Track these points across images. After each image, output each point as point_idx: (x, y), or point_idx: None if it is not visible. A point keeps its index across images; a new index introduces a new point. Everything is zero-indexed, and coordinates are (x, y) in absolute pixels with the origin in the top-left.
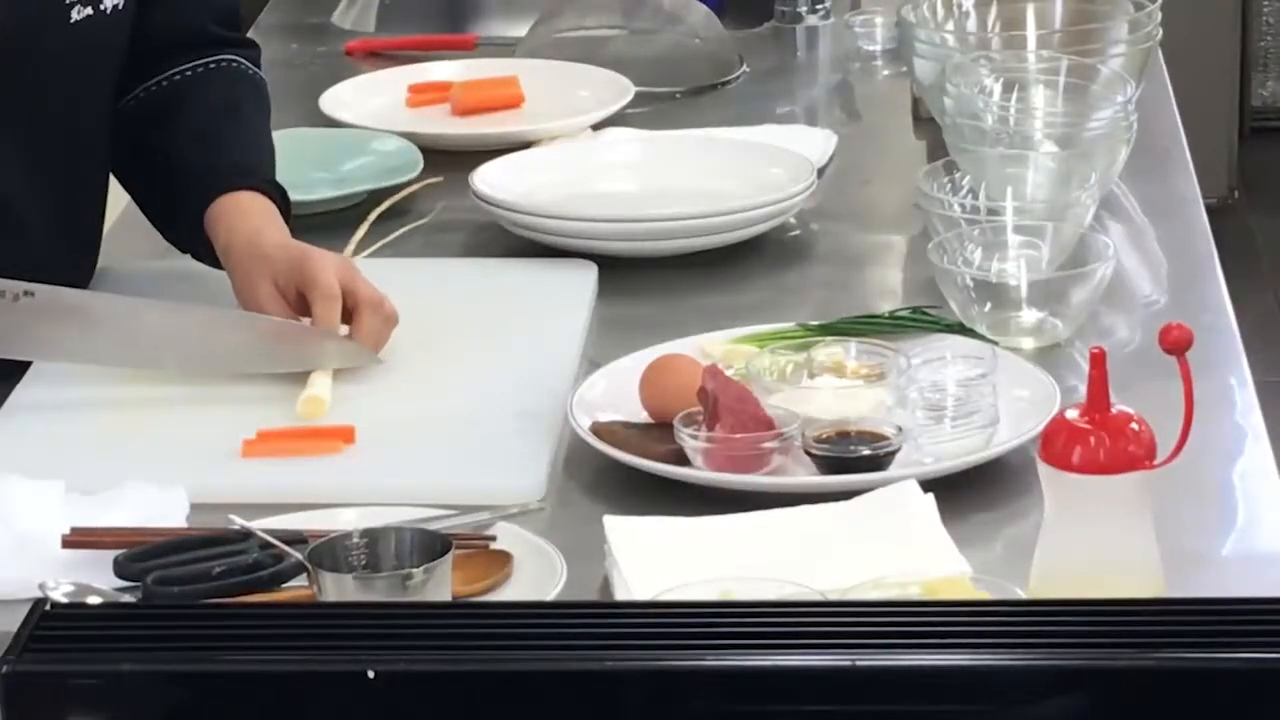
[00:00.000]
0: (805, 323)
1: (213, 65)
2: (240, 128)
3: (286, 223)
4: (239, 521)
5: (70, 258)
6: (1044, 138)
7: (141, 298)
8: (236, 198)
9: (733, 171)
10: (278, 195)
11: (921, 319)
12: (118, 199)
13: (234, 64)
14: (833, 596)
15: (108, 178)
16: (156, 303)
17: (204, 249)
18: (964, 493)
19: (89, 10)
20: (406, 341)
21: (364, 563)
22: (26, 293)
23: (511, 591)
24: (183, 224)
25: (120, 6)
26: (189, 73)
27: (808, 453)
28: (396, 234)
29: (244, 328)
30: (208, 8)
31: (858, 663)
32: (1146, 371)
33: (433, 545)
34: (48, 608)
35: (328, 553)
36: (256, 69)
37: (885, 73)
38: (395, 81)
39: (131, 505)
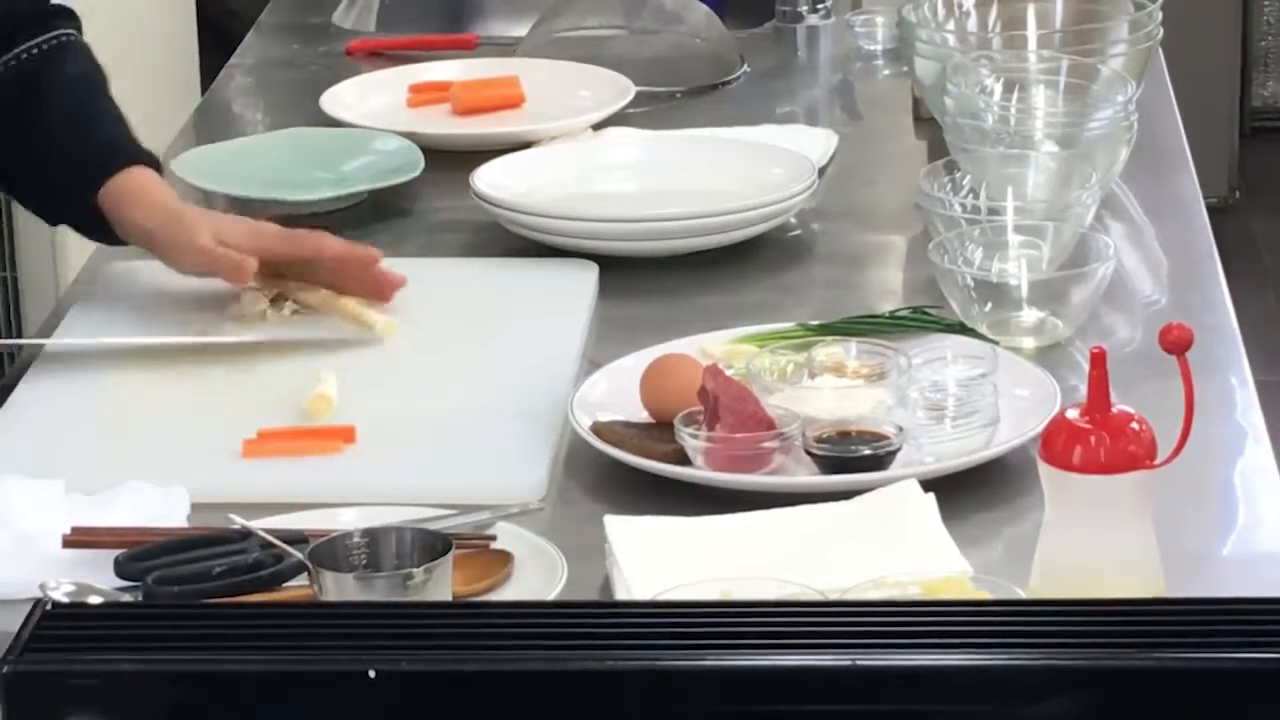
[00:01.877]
0: (805, 323)
1: (58, 41)
2: (107, 103)
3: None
4: (239, 521)
5: None
6: (1044, 138)
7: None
8: (129, 175)
9: (733, 171)
10: (155, 164)
11: (922, 319)
12: None
13: (75, 39)
14: (833, 596)
15: None
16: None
17: (94, 228)
18: (964, 493)
19: None
20: (407, 341)
21: (364, 562)
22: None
23: (511, 591)
24: (69, 206)
25: None
26: (35, 51)
27: (808, 452)
28: (397, 234)
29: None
30: None
31: (858, 663)
32: (1147, 371)
33: (433, 545)
34: (48, 608)
35: (328, 552)
36: (80, 36)
37: (886, 73)
38: (395, 81)
39: (131, 505)
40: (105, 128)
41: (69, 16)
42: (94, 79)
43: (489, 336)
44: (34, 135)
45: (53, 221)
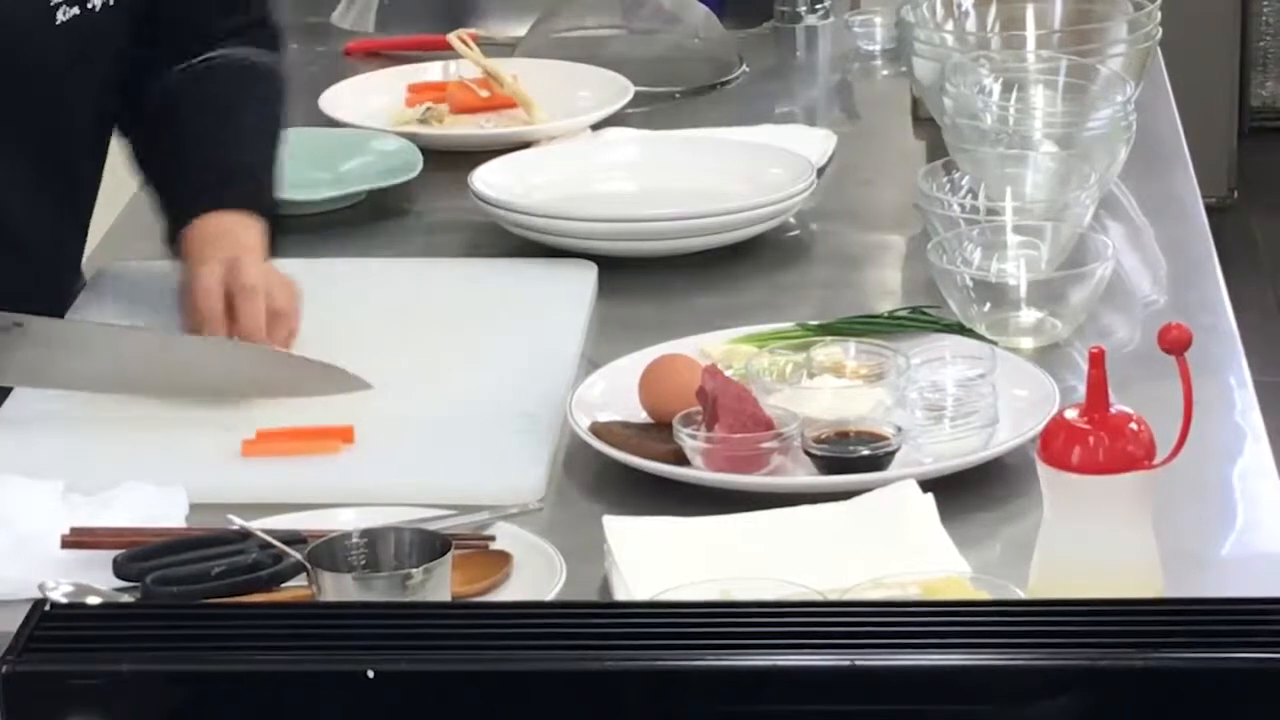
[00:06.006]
0: (804, 323)
1: (204, 64)
2: (231, 134)
3: (274, 215)
4: (238, 521)
5: (63, 253)
6: (1043, 138)
7: (132, 327)
8: (216, 219)
9: (733, 171)
10: (261, 205)
11: (921, 319)
12: (116, 200)
13: (233, 59)
14: (833, 596)
15: (100, 175)
16: (147, 332)
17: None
18: (963, 493)
19: (75, 10)
20: (406, 342)
21: (363, 563)
22: (16, 324)
23: (511, 591)
24: (170, 234)
25: (111, 3)
26: (188, 70)
27: (807, 453)
28: (397, 234)
29: (234, 357)
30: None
31: (858, 663)
32: (1146, 371)
33: (432, 545)
34: (47, 608)
35: (327, 553)
36: (267, 53)
37: (885, 73)
38: (394, 82)
39: (131, 505)
40: (218, 164)
41: (257, 26)
42: (227, 108)
43: (488, 336)
44: (163, 159)
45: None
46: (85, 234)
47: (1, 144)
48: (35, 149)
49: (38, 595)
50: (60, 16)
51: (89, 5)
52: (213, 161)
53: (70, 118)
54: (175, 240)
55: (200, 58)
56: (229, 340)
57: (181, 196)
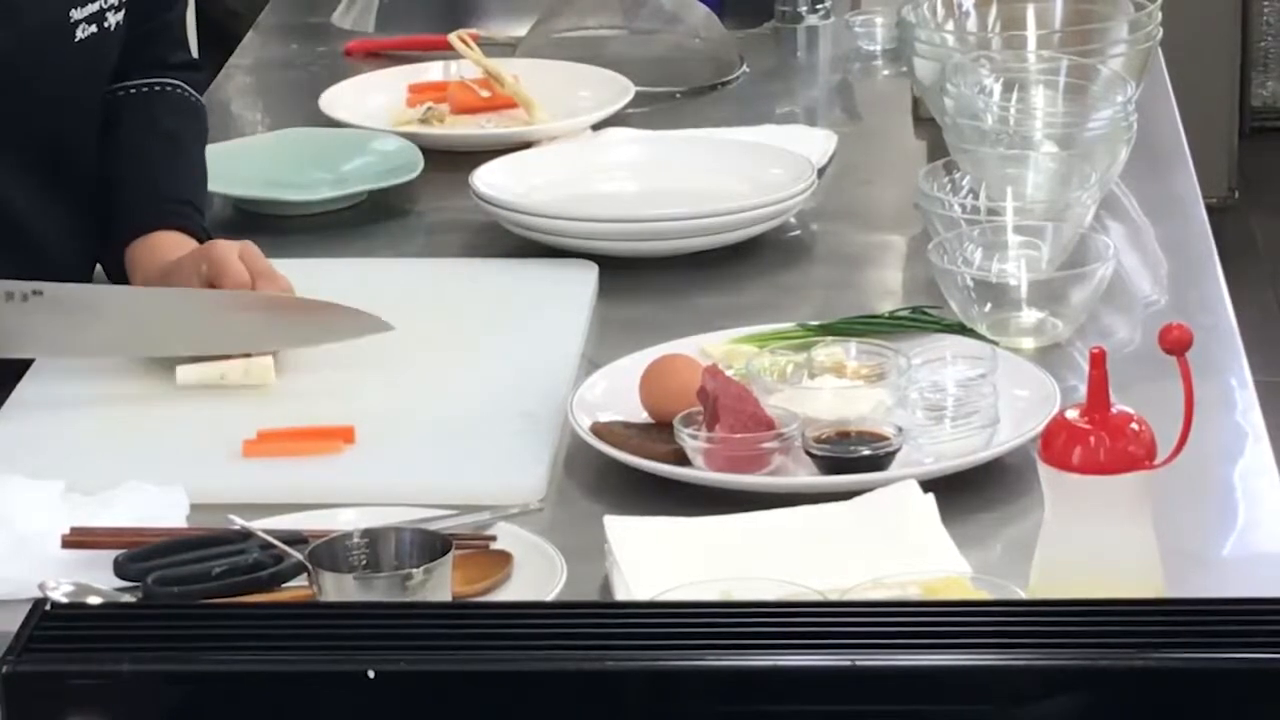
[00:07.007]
0: (805, 323)
1: (158, 88)
2: (170, 162)
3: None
4: (239, 521)
5: (77, 266)
6: (1044, 138)
7: (148, 287)
8: (160, 237)
9: (733, 171)
10: (200, 233)
11: (921, 319)
12: None
13: (178, 89)
14: (833, 596)
15: None
16: (164, 290)
17: (121, 276)
18: (964, 493)
19: (93, 29)
20: (406, 341)
21: (364, 563)
22: (35, 292)
23: (511, 591)
24: (103, 250)
25: (121, 22)
26: (134, 91)
27: (808, 453)
28: (397, 234)
29: (255, 306)
30: (165, 28)
31: (858, 663)
32: (1146, 371)
33: (433, 545)
34: (48, 608)
35: (327, 553)
36: (198, 95)
37: (885, 73)
38: (395, 81)
39: (131, 505)
40: (161, 183)
41: (192, 69)
42: (173, 133)
43: (489, 336)
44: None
45: (98, 257)
46: (94, 238)
47: (15, 153)
48: (48, 158)
49: (38, 595)
50: (79, 34)
51: (105, 24)
52: (165, 183)
53: (81, 127)
54: (113, 241)
55: (142, 81)
56: (248, 291)
57: (129, 208)
